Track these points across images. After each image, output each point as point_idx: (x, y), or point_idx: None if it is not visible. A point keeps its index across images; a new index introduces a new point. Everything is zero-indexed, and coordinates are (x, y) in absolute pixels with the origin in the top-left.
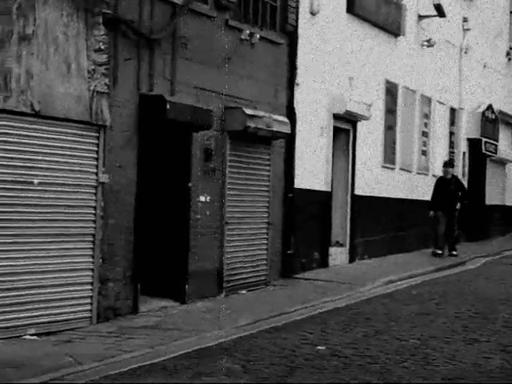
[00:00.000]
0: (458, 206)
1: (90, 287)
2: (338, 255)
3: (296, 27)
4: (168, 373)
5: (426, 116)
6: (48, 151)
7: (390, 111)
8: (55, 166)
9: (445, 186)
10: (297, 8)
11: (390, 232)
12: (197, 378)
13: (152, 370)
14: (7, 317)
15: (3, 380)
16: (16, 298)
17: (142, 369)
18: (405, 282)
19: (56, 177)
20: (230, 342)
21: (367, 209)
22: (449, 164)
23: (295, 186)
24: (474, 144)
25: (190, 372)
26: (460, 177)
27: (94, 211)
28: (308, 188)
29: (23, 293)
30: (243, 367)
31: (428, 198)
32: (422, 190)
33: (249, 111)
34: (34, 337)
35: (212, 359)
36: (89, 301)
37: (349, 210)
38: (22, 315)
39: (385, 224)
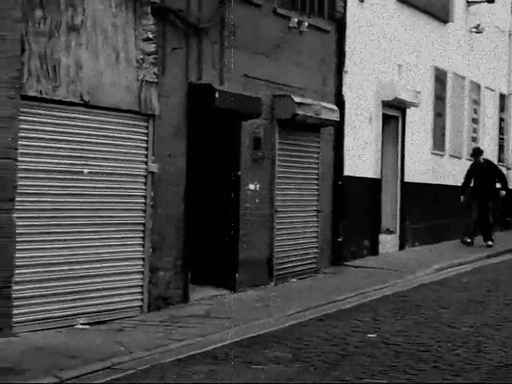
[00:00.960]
0: (503, 193)
1: (140, 276)
2: (388, 242)
3: (344, 14)
4: (218, 361)
5: (476, 102)
6: (97, 141)
7: (439, 98)
8: (105, 156)
9: (476, 171)
10: None
11: (440, 219)
12: (247, 365)
13: (202, 359)
14: (59, 306)
15: (56, 368)
16: (67, 288)
17: (192, 357)
18: (455, 269)
19: (106, 166)
20: (281, 330)
21: (417, 196)
22: (477, 153)
23: (344, 173)
24: None
25: (241, 360)
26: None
27: (143, 200)
28: (357, 175)
29: (74, 282)
30: (294, 355)
31: None
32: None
33: (297, 99)
34: (86, 326)
35: (262, 347)
36: (139, 290)
37: (399, 198)
38: (73, 304)
39: (435, 211)
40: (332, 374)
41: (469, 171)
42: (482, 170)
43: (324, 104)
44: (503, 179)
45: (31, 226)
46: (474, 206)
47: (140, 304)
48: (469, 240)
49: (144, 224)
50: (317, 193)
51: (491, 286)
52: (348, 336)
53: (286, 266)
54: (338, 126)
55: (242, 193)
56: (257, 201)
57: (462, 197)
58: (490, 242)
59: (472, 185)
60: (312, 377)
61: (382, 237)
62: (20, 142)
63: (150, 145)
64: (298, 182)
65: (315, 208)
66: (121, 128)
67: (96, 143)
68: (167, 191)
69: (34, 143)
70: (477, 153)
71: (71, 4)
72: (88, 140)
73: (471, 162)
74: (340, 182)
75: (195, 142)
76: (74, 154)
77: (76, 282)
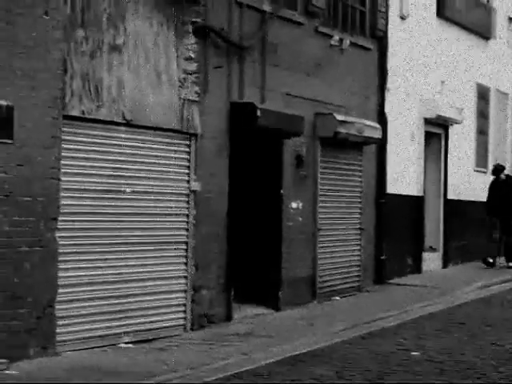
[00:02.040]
0: None
1: (183, 295)
2: (432, 260)
3: (386, 32)
4: (261, 379)
5: None
6: (140, 160)
7: (482, 115)
8: (147, 175)
9: (498, 188)
10: (386, 13)
11: (483, 236)
12: None
13: (246, 377)
14: (102, 325)
15: None
16: (111, 307)
17: (236, 376)
18: (499, 286)
19: (148, 185)
20: (324, 349)
21: (460, 213)
22: (498, 170)
23: (387, 191)
24: None
25: (284, 378)
26: None
27: (186, 219)
28: (400, 193)
29: (117, 301)
30: (337, 373)
31: None
32: None
33: (339, 117)
34: (129, 345)
35: (306, 366)
36: (183, 308)
37: (442, 215)
38: (117, 323)
39: (478, 228)
40: None
41: (490, 189)
42: (502, 187)
43: (366, 122)
44: None
45: (74, 245)
46: (496, 224)
47: (183, 322)
48: (491, 260)
49: (187, 242)
50: (360, 211)
51: None
52: (392, 354)
53: (328, 284)
54: (381, 144)
55: (284, 211)
56: (300, 219)
57: (488, 217)
58: (511, 264)
59: (490, 202)
60: None
61: (425, 254)
62: (63, 162)
63: (193, 163)
64: (340, 200)
65: (358, 226)
66: (163, 147)
67: (138, 162)
68: (210, 210)
69: (76, 163)
70: (499, 170)
71: (113, 24)
72: (130, 159)
73: (492, 179)
74: (383, 200)
75: (237, 161)
76: (116, 174)
77: (119, 300)
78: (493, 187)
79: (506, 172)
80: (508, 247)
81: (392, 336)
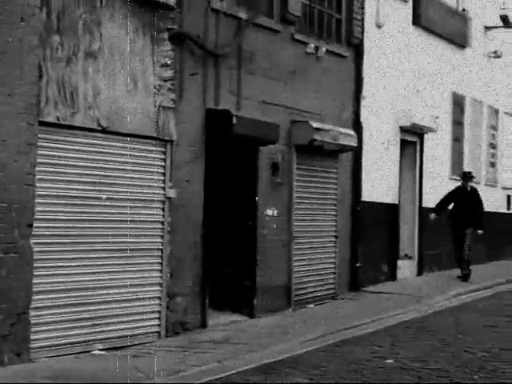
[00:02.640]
0: (480, 232)
1: (158, 302)
2: (407, 268)
3: (362, 40)
4: None
5: (494, 127)
6: (115, 167)
7: (457, 123)
8: (123, 182)
9: (459, 196)
10: (362, 21)
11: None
12: None
13: None
14: (77, 332)
15: None
16: (85, 313)
17: (210, 383)
18: (473, 294)
19: (124, 192)
20: (299, 356)
21: (435, 221)
22: (468, 177)
23: (362, 198)
24: None
25: None
26: None
27: (161, 226)
28: (375, 201)
29: (92, 308)
30: (311, 381)
31: (495, 209)
32: (490, 201)
33: (315, 125)
34: (103, 352)
35: (280, 373)
36: (157, 315)
37: (417, 223)
38: (91, 330)
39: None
40: None
41: (451, 193)
42: (465, 197)
43: (342, 130)
44: (480, 214)
45: (49, 251)
46: (455, 235)
47: (158, 330)
48: (466, 272)
49: (162, 249)
50: (335, 218)
51: (509, 312)
52: (366, 362)
53: (304, 291)
54: (356, 152)
55: (259, 218)
56: (274, 226)
57: (432, 215)
58: (462, 274)
59: (452, 210)
60: None
61: (400, 262)
62: (38, 168)
63: (168, 170)
64: (316, 208)
65: (333, 233)
66: (138, 154)
67: (114, 169)
68: (185, 217)
69: (51, 169)
70: (468, 177)
71: (88, 30)
72: (106, 166)
73: (457, 185)
74: (358, 208)
75: (213, 168)
76: (91, 180)
77: (94, 307)
78: (454, 193)
79: (473, 181)
80: (461, 257)
81: (366, 344)
